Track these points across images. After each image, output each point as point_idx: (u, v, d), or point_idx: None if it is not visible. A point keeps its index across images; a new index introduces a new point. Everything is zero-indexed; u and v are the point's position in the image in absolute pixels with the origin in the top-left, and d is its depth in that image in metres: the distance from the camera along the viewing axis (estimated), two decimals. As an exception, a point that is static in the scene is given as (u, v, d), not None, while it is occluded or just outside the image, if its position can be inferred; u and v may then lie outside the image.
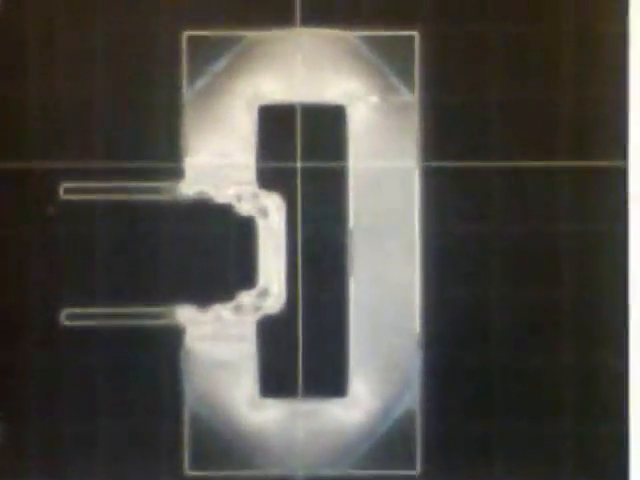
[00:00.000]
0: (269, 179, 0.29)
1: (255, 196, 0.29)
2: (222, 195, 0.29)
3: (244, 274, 0.29)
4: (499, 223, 0.29)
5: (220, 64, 0.29)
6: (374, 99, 0.29)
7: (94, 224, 0.29)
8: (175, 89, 0.29)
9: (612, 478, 0.29)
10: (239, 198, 0.29)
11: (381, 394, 0.29)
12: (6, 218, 0.29)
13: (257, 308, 0.29)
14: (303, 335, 0.29)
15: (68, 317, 0.29)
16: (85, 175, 0.29)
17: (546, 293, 0.29)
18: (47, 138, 0.29)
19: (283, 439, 0.29)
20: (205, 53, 0.29)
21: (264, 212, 0.29)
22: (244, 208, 0.29)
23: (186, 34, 0.29)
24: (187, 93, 0.29)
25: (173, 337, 0.29)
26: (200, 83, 0.29)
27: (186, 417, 0.29)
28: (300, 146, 0.29)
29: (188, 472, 0.29)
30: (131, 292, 0.29)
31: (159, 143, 0.29)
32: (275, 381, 0.29)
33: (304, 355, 0.29)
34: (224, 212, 0.29)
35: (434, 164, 0.29)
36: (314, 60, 0.29)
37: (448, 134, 0.29)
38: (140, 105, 0.29)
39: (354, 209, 0.29)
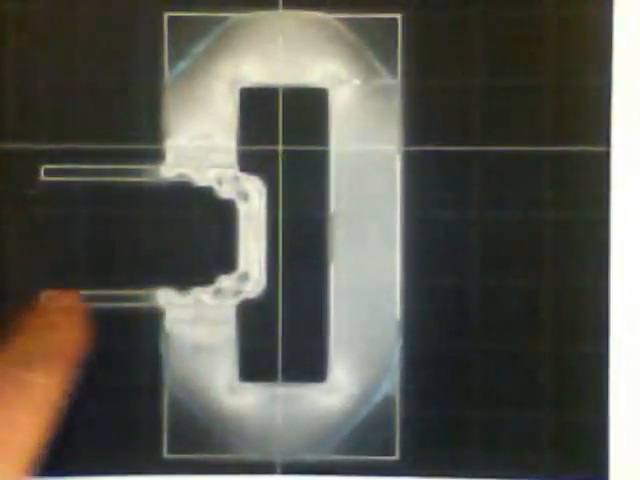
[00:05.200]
0: (250, 162, 0.29)
1: (236, 179, 0.29)
2: (203, 178, 0.29)
3: (224, 258, 0.29)
4: (481, 208, 0.29)
5: (201, 46, 0.29)
6: (356, 82, 0.29)
7: (74, 206, 0.29)
8: (156, 71, 0.29)
9: (592, 466, 0.29)
10: (220, 181, 0.29)
11: (361, 380, 0.29)
12: (-15, 199, 0.29)
13: (237, 292, 0.29)
14: (283, 320, 0.29)
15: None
16: (66, 157, 0.29)
17: (528, 280, 0.29)
18: (27, 120, 0.29)
19: (262, 423, 0.29)
20: (186, 34, 0.29)
21: (244, 195, 0.29)
22: (224, 191, 0.29)
23: (167, 15, 0.29)
24: (168, 75, 0.29)
25: (153, 320, 0.29)
26: (181, 65, 0.29)
27: (165, 401, 0.29)
28: (281, 129, 0.29)
29: (166, 455, 0.29)
30: (111, 275, 0.29)
31: (140, 125, 0.29)
32: (254, 365, 0.29)
33: (284, 340, 0.29)
34: (204, 195, 0.29)
35: (416, 148, 0.29)
36: (296, 43, 0.29)
37: (430, 118, 0.29)
38: (121, 87, 0.29)
39: (335, 193, 0.29)
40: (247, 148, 0.29)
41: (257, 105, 0.29)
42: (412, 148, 0.29)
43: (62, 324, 0.28)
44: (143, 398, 0.29)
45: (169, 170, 0.29)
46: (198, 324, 0.29)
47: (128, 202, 0.29)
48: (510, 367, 0.29)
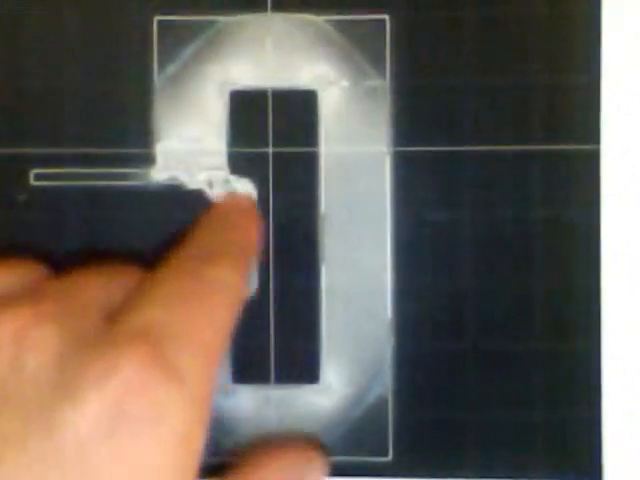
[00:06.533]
0: (240, 164, 0.29)
1: (226, 182, 0.29)
2: (193, 181, 0.29)
3: (216, 260, 0.29)
4: (471, 209, 0.29)
5: (191, 49, 0.29)
6: (345, 84, 0.29)
7: (65, 210, 0.29)
8: (146, 74, 0.29)
9: (586, 466, 0.29)
10: (210, 184, 0.29)
11: (353, 380, 0.29)
12: (-24, 204, 0.29)
13: (229, 294, 0.29)
14: (275, 321, 0.29)
15: (39, 303, 0.29)
16: (55, 161, 0.29)
17: (518, 279, 0.29)
18: (17, 124, 0.29)
19: (255, 425, 0.29)
20: (176, 38, 0.29)
21: (235, 198, 0.29)
22: (216, 194, 0.29)
23: (156, 19, 0.29)
24: (158, 78, 0.29)
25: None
26: (171, 68, 0.29)
27: (158, 403, 0.29)
28: (271, 131, 0.29)
29: (160, 459, 0.29)
30: (102, 278, 0.29)
31: (130, 129, 0.29)
32: (247, 367, 0.29)
33: (276, 341, 0.29)
34: (195, 198, 0.29)
35: (406, 149, 0.29)
36: (285, 45, 0.29)
37: (420, 119, 0.29)
38: (110, 91, 0.29)
39: (326, 195, 0.29)
40: (237, 150, 0.29)
41: (247, 107, 0.29)
42: (402, 149, 0.29)
43: (241, 224, 0.28)
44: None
45: (160, 173, 0.29)
46: (190, 327, 0.29)
47: (119, 206, 0.29)
48: (503, 367, 0.29)
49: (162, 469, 0.21)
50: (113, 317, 0.23)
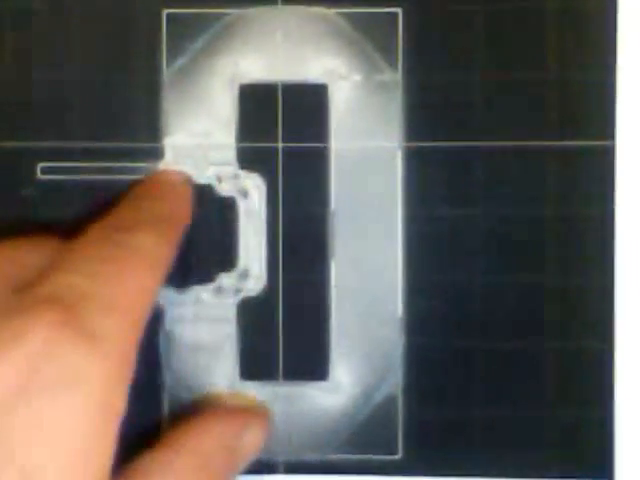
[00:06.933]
0: (250, 159, 0.29)
1: (235, 176, 0.29)
2: (202, 175, 0.29)
3: (224, 256, 0.29)
4: (483, 205, 0.29)
5: (200, 42, 0.29)
6: (357, 78, 0.29)
7: (72, 204, 0.29)
8: (154, 68, 0.29)
9: (596, 466, 0.29)
10: (219, 178, 0.29)
11: (362, 378, 0.29)
12: (-18, 198, 0.29)
13: (237, 290, 0.29)
14: (284, 318, 0.29)
15: (46, 299, 0.29)
16: (63, 155, 0.29)
17: (531, 277, 0.29)
18: (24, 117, 0.29)
19: (263, 423, 0.29)
20: (185, 31, 0.29)
21: (244, 193, 0.29)
22: (224, 188, 0.29)
23: (165, 12, 0.29)
24: (167, 72, 0.29)
25: (152, 319, 0.29)
26: (180, 62, 0.29)
27: (165, 400, 0.29)
28: (281, 126, 0.29)
29: (167, 455, 0.29)
30: (110, 274, 0.29)
31: (138, 123, 0.29)
32: (255, 364, 0.29)
33: (285, 338, 0.29)
34: (204, 192, 0.29)
35: (417, 144, 0.29)
36: (296, 38, 0.29)
37: (432, 114, 0.29)
38: (119, 84, 0.29)
39: (336, 190, 0.29)
40: (247, 145, 0.29)
41: (256, 102, 0.29)
42: (413, 144, 0.29)
43: (167, 195, 0.28)
44: (143, 397, 0.29)
45: (168, 168, 0.29)
46: (198, 323, 0.29)
47: (127, 200, 0.29)
48: (514, 366, 0.29)
49: (80, 433, 0.21)
50: (26, 288, 0.22)
